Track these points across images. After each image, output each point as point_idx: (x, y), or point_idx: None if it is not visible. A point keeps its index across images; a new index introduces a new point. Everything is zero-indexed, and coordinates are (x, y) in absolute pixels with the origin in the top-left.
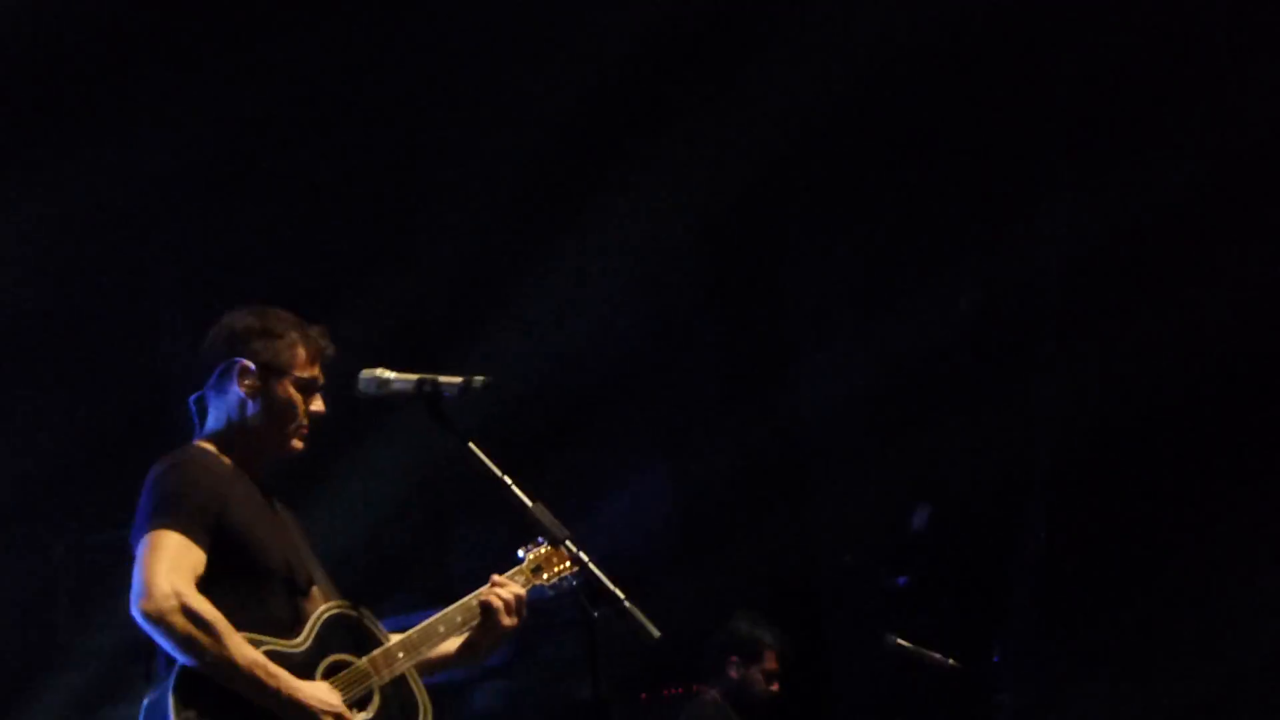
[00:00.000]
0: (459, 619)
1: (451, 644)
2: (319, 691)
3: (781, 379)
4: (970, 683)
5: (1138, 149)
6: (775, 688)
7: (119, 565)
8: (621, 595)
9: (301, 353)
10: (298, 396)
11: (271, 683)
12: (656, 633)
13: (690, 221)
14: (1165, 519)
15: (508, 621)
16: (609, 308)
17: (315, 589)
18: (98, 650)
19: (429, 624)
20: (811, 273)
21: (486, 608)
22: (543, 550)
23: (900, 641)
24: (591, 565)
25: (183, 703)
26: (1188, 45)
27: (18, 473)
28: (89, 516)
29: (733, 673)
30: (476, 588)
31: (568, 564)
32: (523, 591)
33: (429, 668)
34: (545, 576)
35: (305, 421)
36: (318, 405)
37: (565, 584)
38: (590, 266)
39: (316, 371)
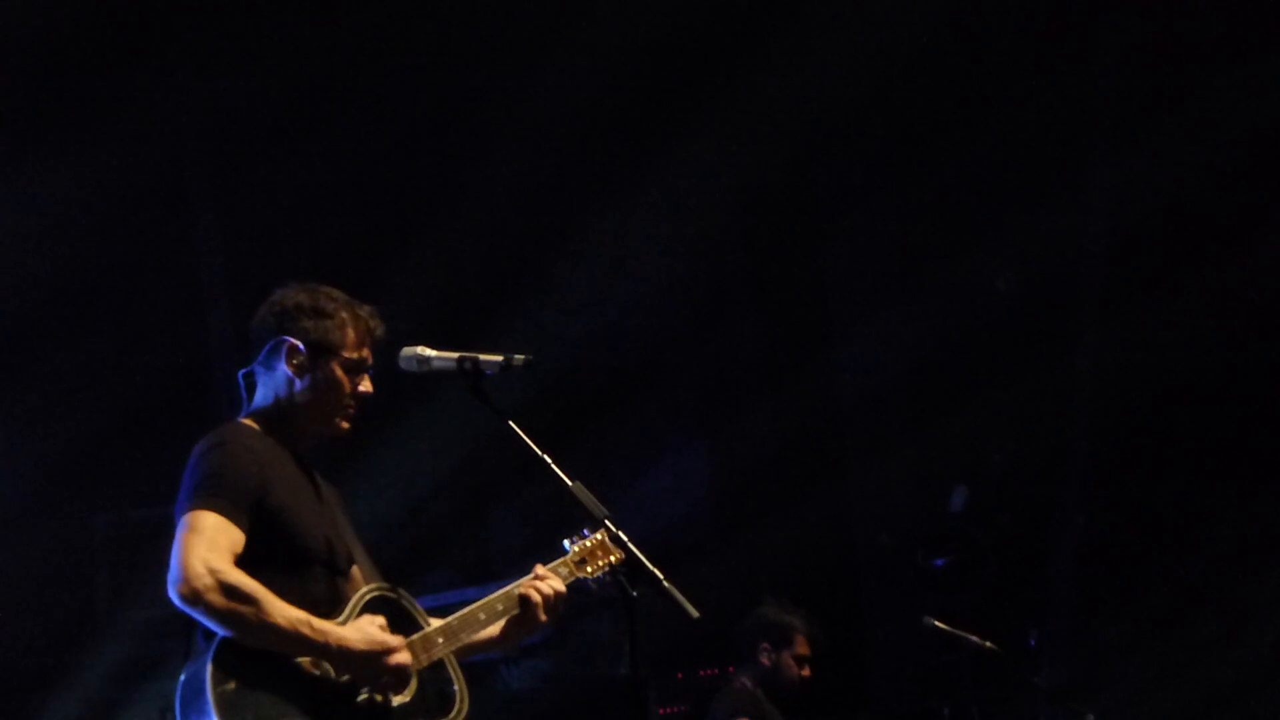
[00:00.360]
0: (500, 607)
1: (488, 630)
2: (364, 632)
3: (820, 359)
4: (1007, 664)
5: (1176, 124)
6: (807, 672)
7: (159, 542)
8: (660, 575)
9: (351, 333)
10: (345, 377)
11: (319, 636)
12: (696, 612)
13: (730, 201)
14: (1205, 501)
15: (544, 617)
16: (649, 287)
17: (355, 569)
18: (136, 625)
19: (470, 611)
20: (850, 253)
21: (525, 600)
22: (588, 543)
23: (937, 623)
24: (631, 545)
25: (222, 674)
26: (1228, 19)
27: (59, 449)
28: (130, 493)
29: (764, 659)
30: (514, 565)
31: (612, 557)
32: (563, 588)
33: (464, 650)
34: (590, 569)
35: (352, 402)
36: (365, 386)
37: (609, 577)
38: (631, 246)
39: (365, 353)
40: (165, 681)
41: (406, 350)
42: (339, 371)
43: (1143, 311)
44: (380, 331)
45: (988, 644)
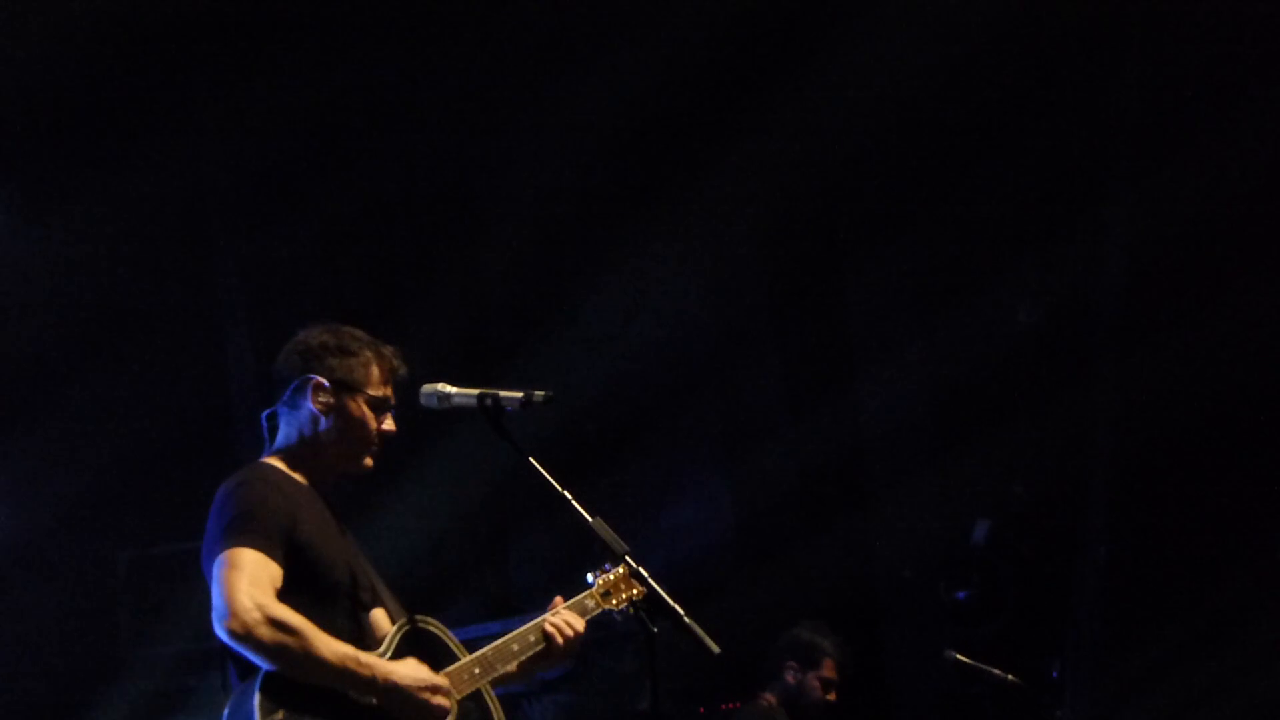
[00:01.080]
0: (532, 638)
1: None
2: (411, 669)
3: (841, 391)
4: (1030, 698)
5: (1196, 157)
6: (832, 697)
7: (181, 577)
8: (681, 611)
9: (375, 371)
10: (370, 414)
11: (366, 671)
12: (716, 648)
13: (751, 233)
14: (1228, 531)
15: (564, 652)
16: (670, 321)
17: (380, 606)
18: (160, 661)
19: (504, 642)
20: (871, 284)
21: (548, 636)
22: (611, 576)
23: (959, 657)
24: (651, 580)
25: (270, 705)
26: (1248, 53)
27: (81, 485)
28: (151, 529)
29: (790, 678)
30: (536, 599)
31: (635, 590)
32: (581, 624)
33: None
34: (614, 601)
35: (377, 440)
36: (389, 424)
37: (631, 609)
38: (651, 279)
39: (389, 391)
40: (189, 717)
41: (427, 387)
42: (365, 409)
43: (1163, 342)
44: (403, 371)
45: (1010, 677)
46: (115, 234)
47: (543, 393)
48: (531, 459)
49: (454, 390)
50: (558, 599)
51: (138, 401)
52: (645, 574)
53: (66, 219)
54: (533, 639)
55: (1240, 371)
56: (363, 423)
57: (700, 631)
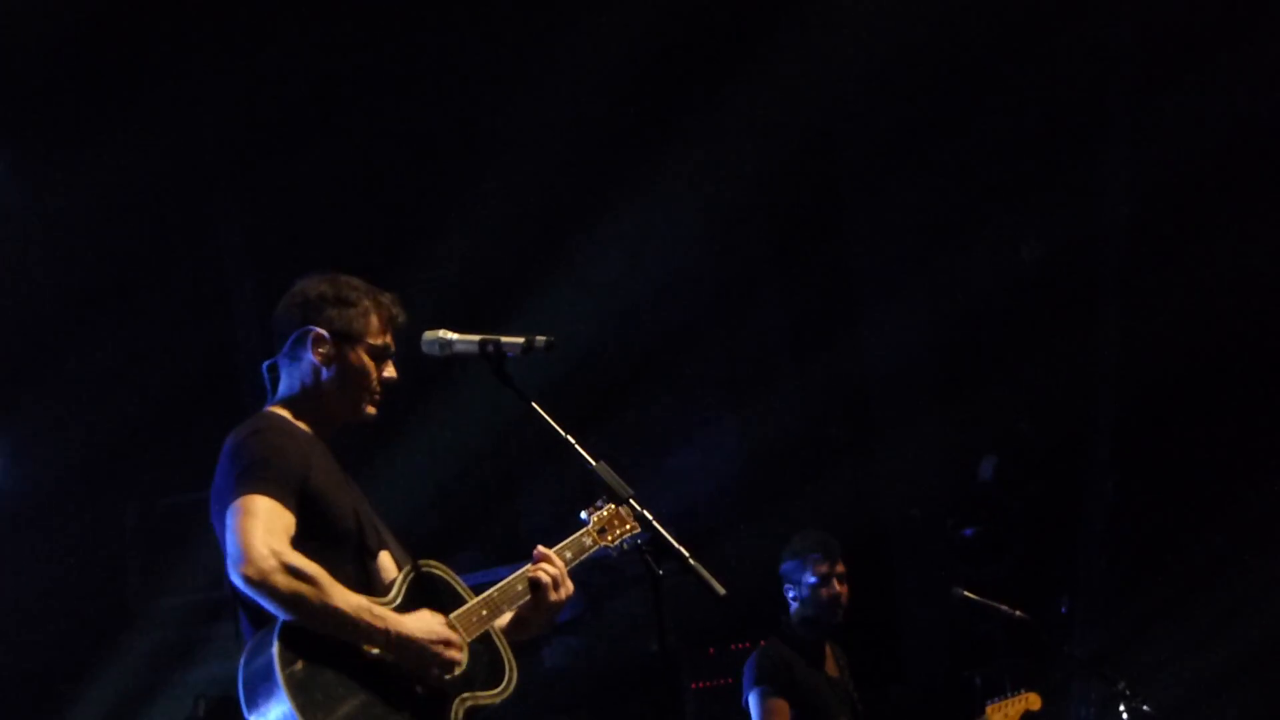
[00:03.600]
0: (520, 587)
1: (506, 617)
2: (424, 622)
3: (846, 333)
4: (1038, 633)
5: (1199, 95)
6: (840, 588)
7: (189, 529)
8: (686, 553)
9: (374, 320)
10: (370, 363)
11: (380, 623)
12: (722, 590)
13: (754, 178)
14: (1233, 467)
15: (554, 597)
16: (675, 266)
17: (385, 551)
18: (168, 612)
19: (508, 582)
20: (874, 227)
21: (535, 584)
22: (604, 512)
23: (967, 594)
24: (656, 524)
25: (290, 655)
26: None
27: (88, 439)
28: (159, 481)
29: (792, 600)
30: (545, 543)
31: (629, 525)
32: (562, 566)
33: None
34: (609, 538)
35: (378, 388)
36: (390, 372)
37: (629, 543)
38: (655, 224)
39: (389, 339)
40: (197, 667)
41: (429, 334)
42: (365, 358)
43: (1167, 280)
44: (402, 318)
45: (1018, 613)
46: (117, 190)
47: (544, 338)
48: (534, 404)
49: (455, 337)
50: (539, 548)
51: (143, 355)
52: (650, 517)
53: (69, 177)
54: (520, 588)
55: (1244, 307)
56: (364, 371)
57: (706, 573)
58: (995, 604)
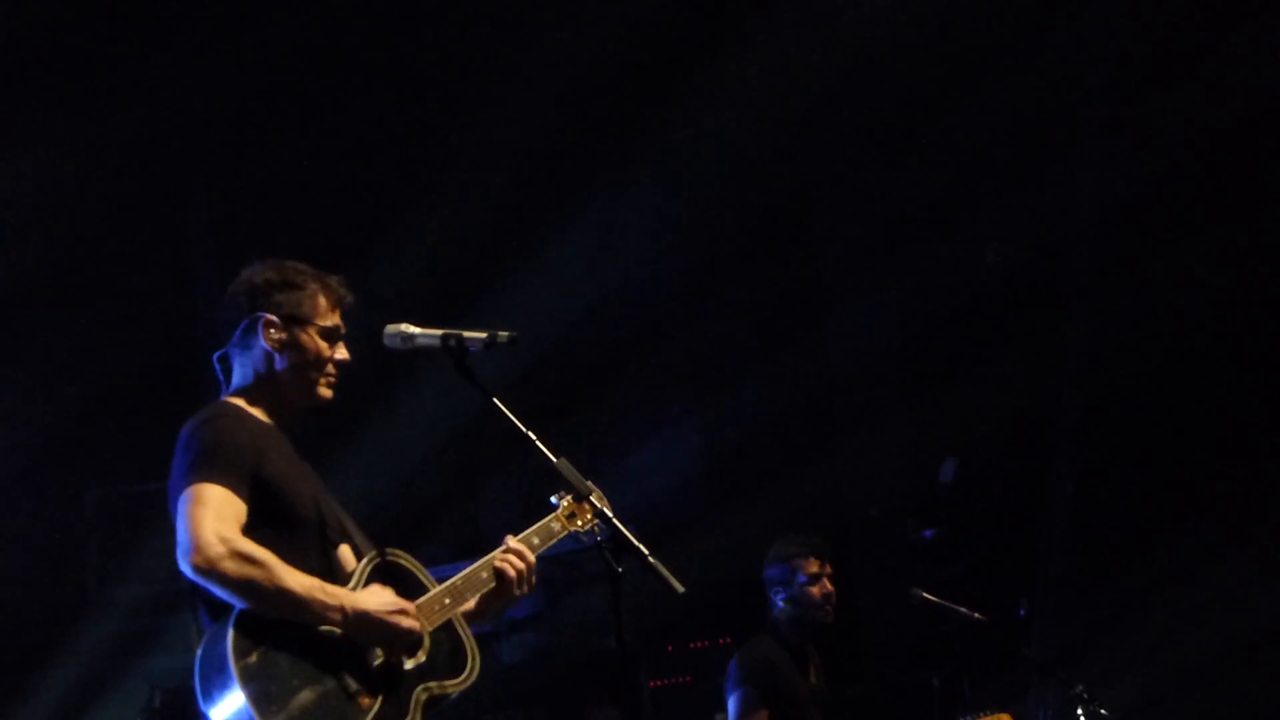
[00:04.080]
0: (484, 574)
1: (469, 604)
2: (378, 596)
3: (810, 332)
4: (997, 635)
5: (1167, 100)
6: (828, 588)
7: (148, 517)
8: (645, 551)
9: (323, 301)
10: (323, 344)
11: (333, 600)
12: (681, 588)
13: (721, 176)
14: (1194, 470)
15: (519, 590)
16: (639, 262)
17: (347, 539)
18: (127, 601)
19: (473, 570)
20: (841, 227)
21: (500, 574)
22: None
23: (926, 595)
24: (616, 521)
25: (244, 645)
26: None
27: (49, 425)
28: (119, 468)
29: (781, 603)
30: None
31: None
32: (531, 559)
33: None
34: (579, 523)
35: (333, 369)
36: (342, 353)
37: (600, 529)
38: (621, 221)
39: (338, 319)
40: (155, 658)
41: (390, 327)
42: (317, 340)
43: (1132, 282)
44: (349, 298)
45: (977, 615)
46: (81, 175)
47: (507, 333)
48: (495, 399)
49: (417, 331)
50: (508, 538)
51: (104, 340)
52: (609, 514)
53: (30, 162)
54: (484, 575)
55: (1208, 309)
56: (317, 353)
57: (665, 571)
58: (954, 606)
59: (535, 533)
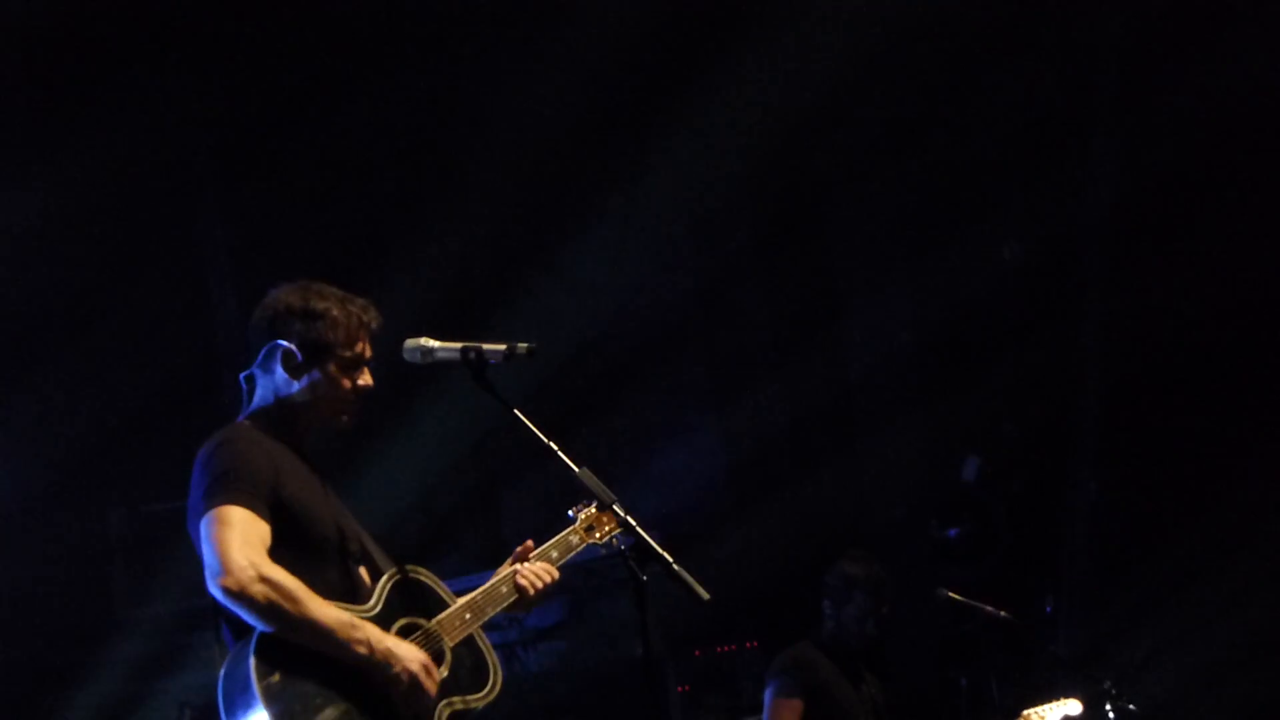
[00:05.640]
0: (504, 589)
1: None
2: (408, 649)
3: (829, 333)
4: (1023, 633)
5: (1179, 91)
6: (873, 631)
7: (173, 537)
8: (669, 558)
9: (344, 331)
10: (342, 376)
11: (359, 634)
12: (706, 595)
13: (736, 177)
14: (1216, 464)
15: (535, 597)
16: (656, 266)
17: (368, 558)
18: (152, 620)
19: (492, 585)
20: (857, 228)
21: (519, 589)
22: (593, 509)
23: (951, 594)
24: (639, 529)
25: (266, 666)
26: None
27: (73, 445)
28: (143, 488)
29: (828, 613)
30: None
31: (612, 525)
32: (554, 575)
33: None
34: (598, 535)
35: (353, 398)
36: (365, 380)
37: (618, 541)
38: (637, 226)
39: (361, 348)
40: (182, 675)
41: (409, 342)
42: (335, 371)
43: (1149, 277)
44: (375, 324)
45: (1003, 613)
46: (100, 194)
47: (526, 345)
48: (516, 410)
49: (437, 344)
50: (528, 542)
51: (126, 361)
52: (633, 523)
53: (47, 180)
54: (504, 590)
55: (1227, 304)
56: (336, 384)
57: (689, 578)
58: (979, 604)
59: (553, 546)
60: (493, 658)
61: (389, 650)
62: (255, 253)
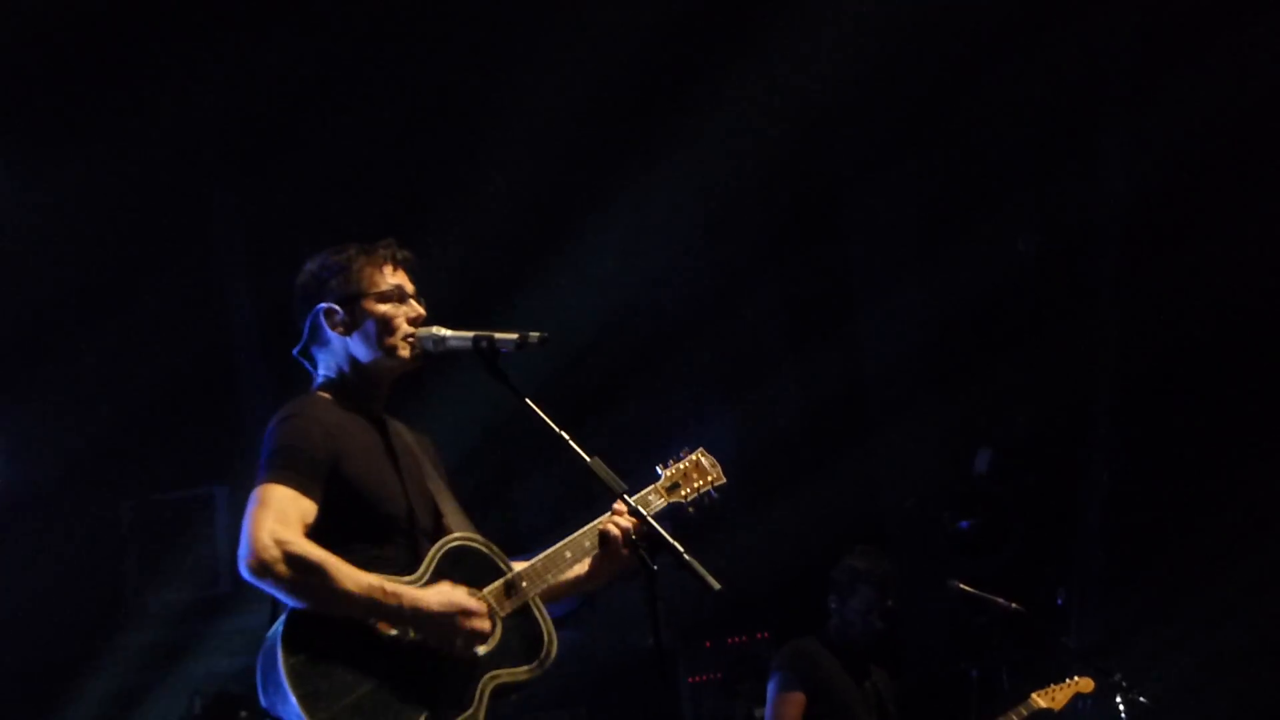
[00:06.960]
0: (587, 543)
1: (576, 569)
2: (442, 595)
3: (842, 324)
4: (1035, 625)
5: (1192, 84)
6: (879, 625)
7: (185, 526)
8: (681, 548)
9: (371, 269)
10: (385, 309)
11: (393, 600)
12: (717, 585)
13: (750, 171)
14: (1230, 458)
15: (625, 551)
16: (671, 259)
17: (443, 525)
18: (164, 609)
19: (556, 550)
20: (870, 220)
21: (604, 536)
22: (681, 465)
23: (964, 586)
24: (651, 519)
25: (293, 646)
26: None
27: (86, 435)
28: (155, 477)
29: (833, 608)
30: (542, 540)
31: (709, 477)
32: (631, 522)
33: (553, 592)
34: (685, 492)
35: (408, 328)
36: (414, 310)
37: (705, 499)
38: (651, 218)
39: (399, 278)
40: (194, 664)
41: (421, 330)
42: (378, 307)
43: (1162, 269)
44: (403, 254)
45: (1015, 605)
46: (112, 186)
47: (538, 334)
48: (528, 400)
49: (449, 333)
50: (619, 503)
51: (138, 352)
52: (644, 512)
53: (61, 173)
54: (588, 544)
55: (1242, 296)
56: (384, 321)
57: (701, 569)
58: (992, 596)
59: (652, 491)
60: (549, 629)
61: (420, 607)
62: (269, 246)
